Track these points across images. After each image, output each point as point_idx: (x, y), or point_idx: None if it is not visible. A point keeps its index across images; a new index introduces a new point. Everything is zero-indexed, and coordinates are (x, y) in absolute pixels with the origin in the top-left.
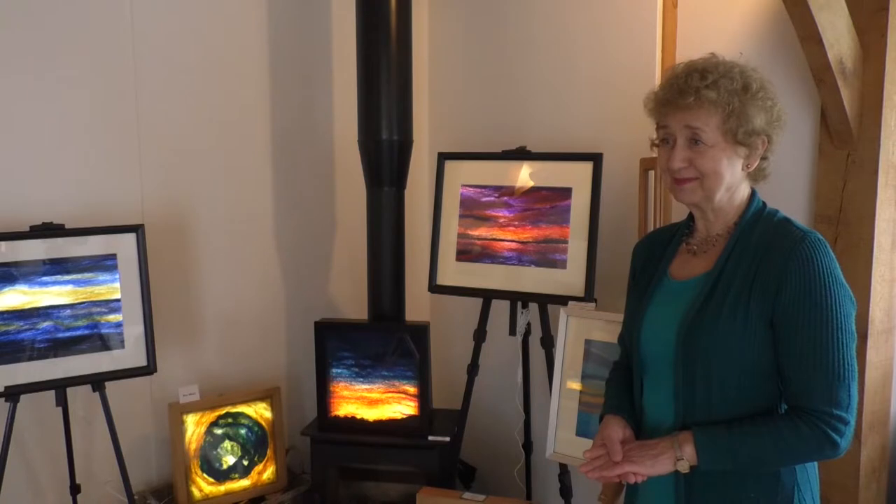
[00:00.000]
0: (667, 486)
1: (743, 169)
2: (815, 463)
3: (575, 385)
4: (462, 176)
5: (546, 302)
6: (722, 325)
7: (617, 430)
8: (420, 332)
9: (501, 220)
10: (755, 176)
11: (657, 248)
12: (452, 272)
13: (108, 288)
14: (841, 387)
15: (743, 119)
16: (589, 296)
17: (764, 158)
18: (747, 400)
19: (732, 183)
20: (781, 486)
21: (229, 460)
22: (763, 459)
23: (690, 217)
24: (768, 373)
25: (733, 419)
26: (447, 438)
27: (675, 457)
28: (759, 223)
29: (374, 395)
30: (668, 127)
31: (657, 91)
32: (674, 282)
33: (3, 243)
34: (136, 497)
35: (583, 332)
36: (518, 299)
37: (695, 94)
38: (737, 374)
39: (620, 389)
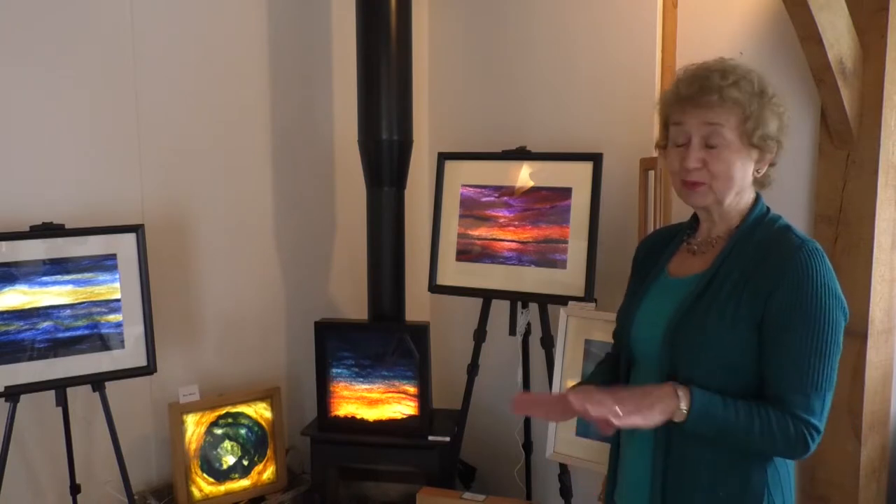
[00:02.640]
0: (643, 475)
1: (753, 174)
2: (791, 467)
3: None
4: (462, 176)
5: (546, 302)
6: (709, 324)
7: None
8: (420, 332)
9: (501, 220)
10: (761, 182)
11: (658, 245)
12: (452, 272)
13: (108, 288)
14: (816, 396)
15: (760, 122)
16: (589, 296)
17: (772, 165)
18: None
19: (742, 187)
20: (750, 487)
21: (229, 460)
22: (744, 439)
23: (694, 217)
24: (752, 374)
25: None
26: (447, 438)
27: (676, 406)
28: (759, 227)
29: (374, 395)
30: (684, 124)
31: (677, 87)
32: (670, 279)
33: (3, 243)
34: (136, 497)
35: (583, 332)
36: (518, 299)
37: (718, 92)
38: (720, 373)
39: (604, 370)
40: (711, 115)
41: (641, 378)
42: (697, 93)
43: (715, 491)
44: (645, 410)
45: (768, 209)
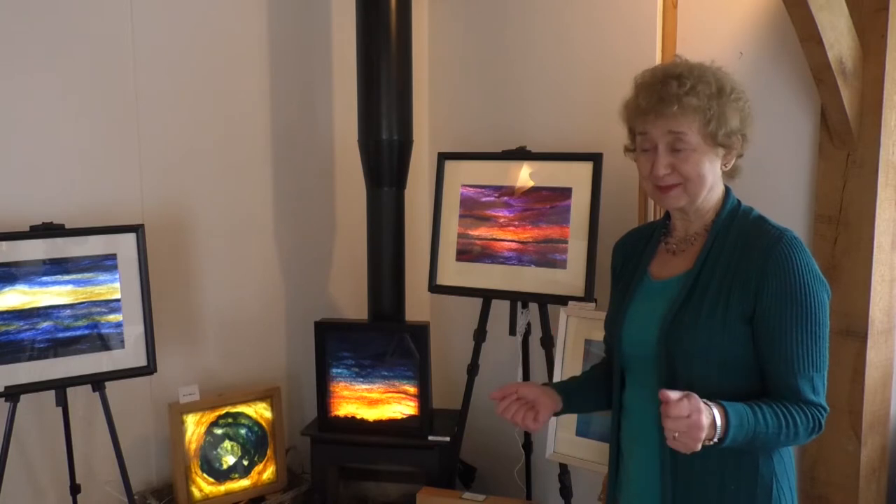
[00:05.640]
0: (652, 479)
1: (721, 168)
2: (792, 454)
3: None
4: (462, 176)
5: (546, 302)
6: (702, 323)
7: (534, 388)
8: (420, 332)
9: (501, 220)
10: (731, 174)
11: (636, 247)
12: (452, 272)
13: (108, 288)
14: (818, 377)
15: (722, 121)
16: (589, 296)
17: (740, 156)
18: (728, 395)
19: (713, 183)
20: (760, 478)
21: (229, 460)
22: (772, 440)
23: (667, 216)
24: (748, 368)
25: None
26: (447, 438)
27: (714, 435)
28: (735, 221)
29: (374, 395)
30: (649, 134)
31: (636, 100)
32: (654, 281)
33: (3, 243)
34: (136, 497)
35: (583, 332)
36: (518, 299)
37: (677, 101)
38: (717, 370)
39: (595, 373)
40: (673, 123)
41: (638, 384)
42: (657, 104)
43: (726, 487)
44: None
45: (739, 202)
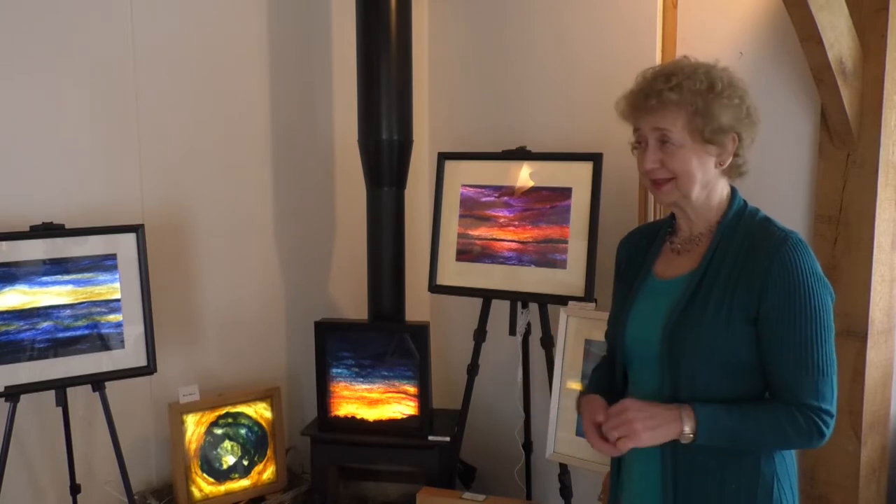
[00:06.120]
0: (653, 478)
1: (716, 167)
2: (794, 454)
3: (575, 385)
4: (462, 176)
5: (546, 302)
6: (706, 323)
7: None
8: (420, 332)
9: (501, 220)
10: (731, 173)
11: (641, 245)
12: (452, 272)
13: (108, 288)
14: (825, 381)
15: (708, 118)
16: (589, 296)
17: (737, 155)
18: (730, 396)
19: (707, 181)
20: (762, 477)
21: (229, 460)
22: (757, 442)
23: (673, 215)
24: (751, 369)
25: (731, 401)
26: (447, 438)
27: (681, 430)
28: (741, 223)
29: (374, 395)
30: (640, 130)
31: (626, 96)
32: (659, 280)
33: (3, 243)
34: (136, 497)
35: (583, 332)
36: (518, 299)
37: (657, 96)
38: (720, 370)
39: (603, 377)
40: (658, 118)
41: (640, 380)
42: (642, 100)
43: (727, 487)
44: (650, 432)
45: (745, 203)
